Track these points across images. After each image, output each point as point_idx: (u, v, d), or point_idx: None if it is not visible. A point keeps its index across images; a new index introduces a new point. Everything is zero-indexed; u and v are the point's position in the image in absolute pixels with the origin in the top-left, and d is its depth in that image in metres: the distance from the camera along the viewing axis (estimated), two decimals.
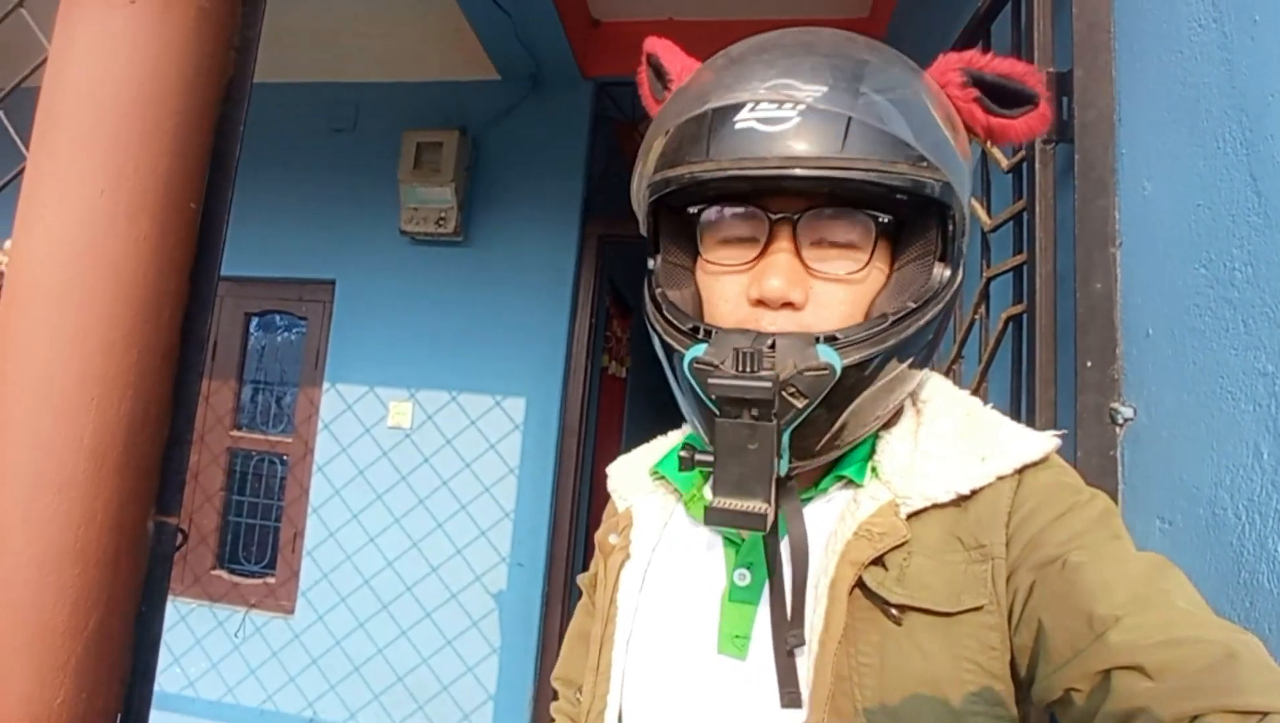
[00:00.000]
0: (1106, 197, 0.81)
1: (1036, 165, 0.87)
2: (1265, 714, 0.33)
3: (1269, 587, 0.55)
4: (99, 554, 0.40)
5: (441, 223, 2.47)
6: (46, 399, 0.39)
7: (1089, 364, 0.78)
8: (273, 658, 2.47)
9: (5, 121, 0.58)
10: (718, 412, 0.45)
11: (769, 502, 0.44)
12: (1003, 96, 0.51)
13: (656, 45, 0.60)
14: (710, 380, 0.44)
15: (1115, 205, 0.80)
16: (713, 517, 0.45)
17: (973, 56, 0.52)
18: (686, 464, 0.48)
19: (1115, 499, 0.76)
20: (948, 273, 0.50)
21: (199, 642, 2.53)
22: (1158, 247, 0.74)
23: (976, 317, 1.03)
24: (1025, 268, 0.89)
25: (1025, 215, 0.89)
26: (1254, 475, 0.60)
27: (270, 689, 2.46)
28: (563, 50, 2.36)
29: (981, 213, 1.04)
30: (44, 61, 0.44)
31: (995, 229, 1.00)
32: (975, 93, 0.51)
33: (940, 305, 0.49)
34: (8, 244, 0.45)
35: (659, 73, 0.59)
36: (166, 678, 2.51)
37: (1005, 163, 0.96)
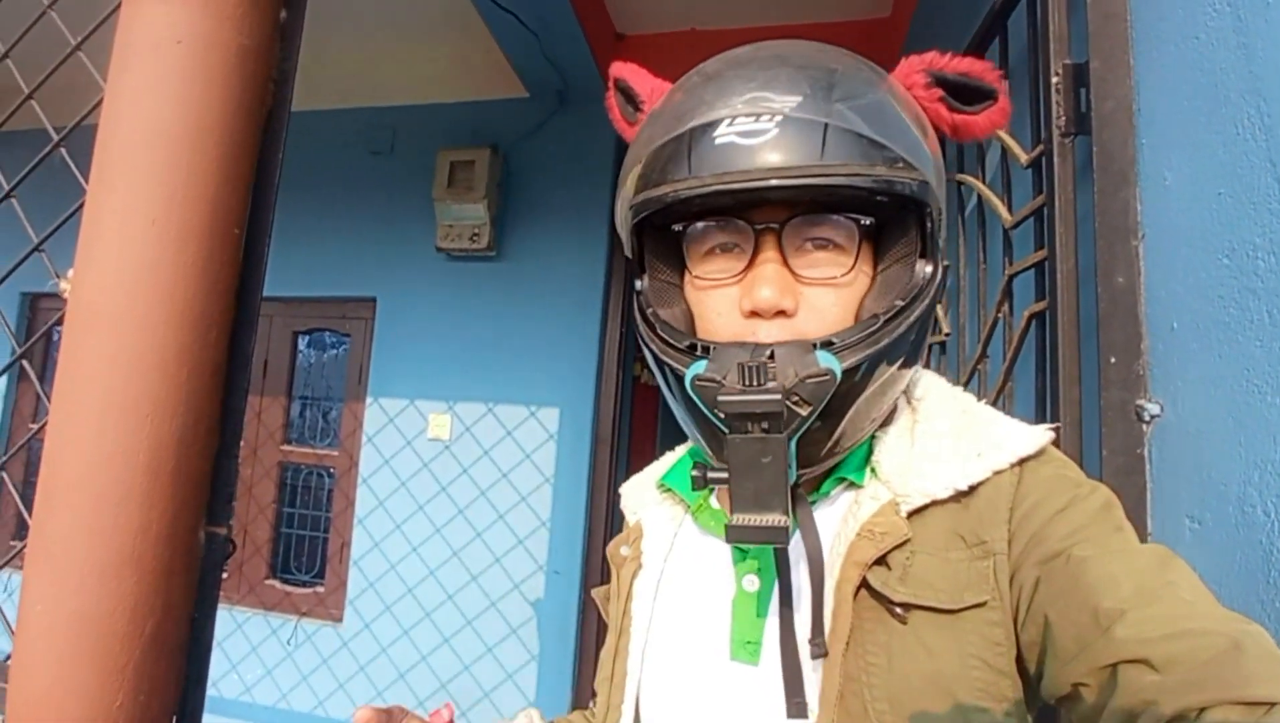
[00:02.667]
0: (1127, 188, 0.79)
1: (1055, 159, 0.86)
2: (1272, 705, 0.33)
3: None
4: (155, 563, 0.42)
5: (475, 239, 2.53)
6: (106, 417, 0.42)
7: (1113, 360, 0.76)
8: (323, 665, 2.55)
9: (68, 159, 0.63)
10: (726, 429, 0.45)
11: (787, 513, 0.44)
12: (964, 94, 0.53)
13: (623, 70, 0.61)
14: (719, 397, 0.45)
15: (1136, 197, 0.78)
16: (734, 534, 0.45)
17: (933, 58, 0.53)
18: (699, 483, 0.48)
19: (1143, 498, 0.73)
20: (929, 269, 0.50)
21: (254, 649, 2.63)
22: (1180, 238, 0.72)
23: (1000, 315, 1.01)
24: (1046, 264, 0.87)
25: (1045, 210, 0.88)
26: None
27: (321, 696, 2.53)
28: (588, 65, 2.40)
29: (1002, 210, 1.02)
30: (100, 102, 0.47)
31: (1016, 225, 0.98)
32: (939, 92, 0.52)
33: (926, 301, 0.50)
34: (70, 273, 0.49)
35: (629, 96, 0.60)
36: (225, 684, 2.62)
37: (1025, 158, 0.94)
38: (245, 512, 2.75)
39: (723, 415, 0.45)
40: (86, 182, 0.47)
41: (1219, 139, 0.66)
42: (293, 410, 2.86)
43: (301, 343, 2.90)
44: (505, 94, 2.61)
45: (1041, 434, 0.50)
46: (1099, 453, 0.76)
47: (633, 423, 2.92)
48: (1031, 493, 0.47)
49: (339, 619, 2.58)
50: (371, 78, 2.66)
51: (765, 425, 0.44)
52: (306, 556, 2.75)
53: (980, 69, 0.52)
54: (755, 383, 0.44)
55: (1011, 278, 0.99)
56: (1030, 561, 0.44)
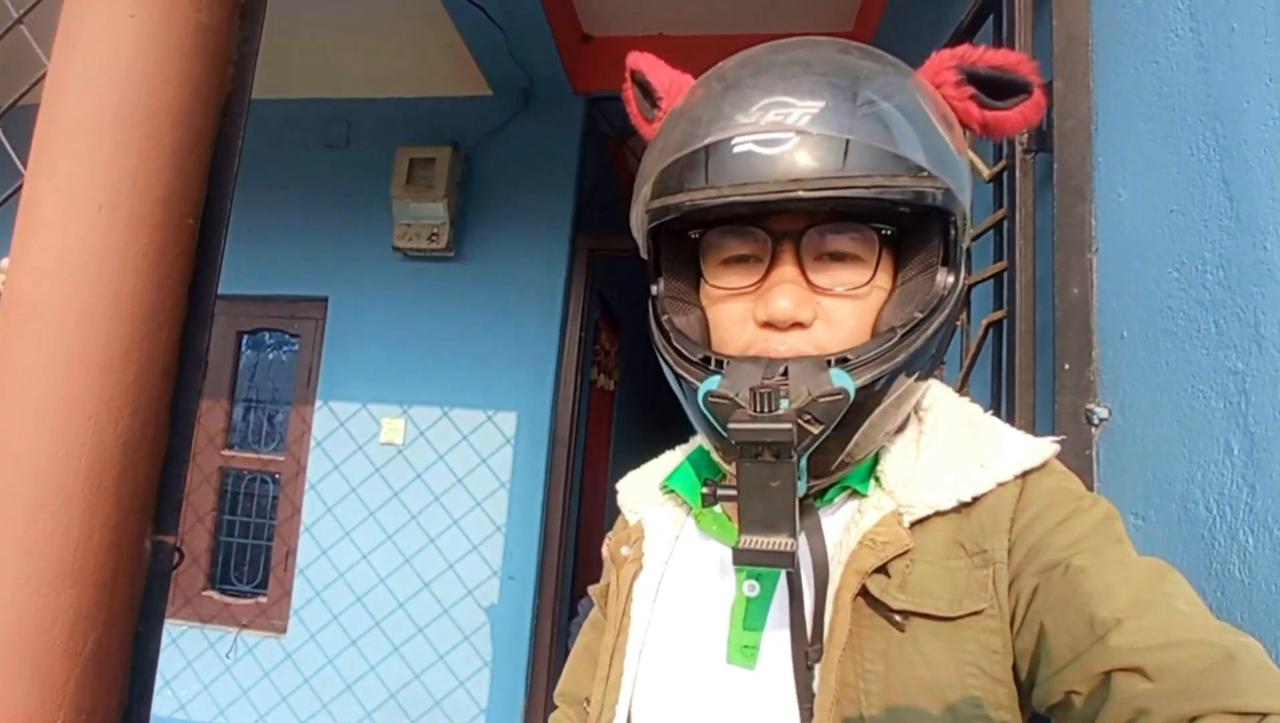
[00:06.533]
0: (1083, 204, 0.83)
1: (1017, 174, 0.89)
2: (1264, 716, 0.33)
3: (1239, 577, 0.56)
4: (97, 574, 0.39)
5: (434, 238, 2.48)
6: (44, 418, 0.39)
7: (1066, 367, 0.79)
8: (264, 678, 2.44)
9: (3, 139, 0.59)
10: (737, 450, 0.45)
11: (794, 536, 0.44)
12: (996, 88, 0.51)
13: (640, 61, 0.59)
14: (730, 426, 0.44)
15: (1092, 212, 0.82)
16: (741, 557, 0.44)
17: (965, 51, 0.51)
18: (709, 501, 0.48)
19: None
20: (951, 278, 0.49)
21: (190, 664, 2.50)
22: (1133, 251, 0.76)
23: (958, 323, 1.05)
24: (1005, 274, 0.90)
25: (1005, 223, 0.91)
26: (1225, 470, 0.61)
27: (262, 710, 2.42)
28: (554, 65, 2.39)
29: None
30: (43, 78, 0.44)
31: (975, 237, 1.01)
32: (970, 90, 0.51)
33: (946, 311, 0.49)
34: (4, 261, 0.45)
35: (646, 90, 0.58)
36: (157, 701, 2.45)
37: (987, 172, 0.98)
38: (182, 520, 2.60)
39: (734, 442, 0.45)
40: (24, 165, 0.44)
41: (1174, 158, 0.70)
42: (235, 413, 2.74)
43: (245, 343, 2.78)
44: (468, 91, 2.57)
45: (1047, 447, 0.50)
46: (1066, 468, 0.79)
47: (588, 428, 2.91)
48: (1033, 504, 0.47)
49: (282, 630, 2.47)
50: (327, 68, 2.58)
51: (775, 453, 0.43)
52: (248, 565, 2.63)
53: (1015, 61, 0.50)
54: (766, 410, 0.44)
55: (970, 287, 1.02)
56: (1029, 570, 0.45)
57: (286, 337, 2.75)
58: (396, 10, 2.25)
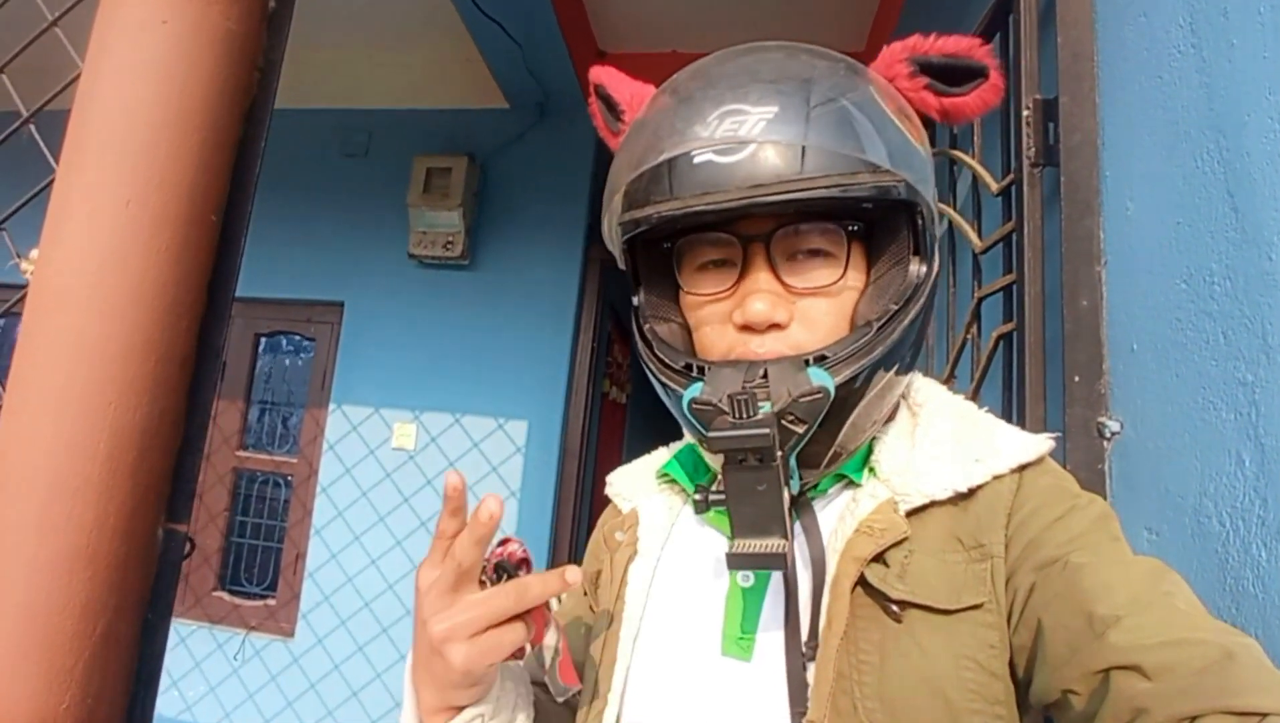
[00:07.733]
0: (1091, 217, 0.83)
1: (1025, 188, 0.90)
2: (1263, 716, 0.33)
3: (1254, 592, 0.56)
4: (110, 559, 0.40)
5: (449, 247, 2.51)
6: (66, 404, 0.40)
7: (1077, 379, 0.79)
8: (271, 682, 2.45)
9: (37, 137, 0.61)
10: (723, 459, 0.46)
11: (785, 537, 0.45)
12: (952, 75, 0.52)
13: (602, 75, 0.60)
14: (710, 435, 0.45)
15: (1100, 225, 0.82)
16: (734, 561, 0.46)
17: (915, 42, 0.53)
18: (701, 507, 0.49)
19: None
20: (924, 267, 0.50)
21: (198, 664, 2.51)
22: (1140, 264, 0.76)
23: (969, 336, 1.05)
24: (1015, 287, 0.91)
25: (1014, 236, 0.92)
26: (1237, 483, 0.60)
27: (268, 714, 2.43)
28: (570, 80, 2.43)
29: (972, 235, 1.06)
30: (75, 79, 0.46)
31: (986, 250, 1.02)
32: (924, 80, 0.52)
33: (921, 301, 0.50)
34: (34, 253, 0.47)
35: (609, 104, 0.60)
36: (164, 701, 2.49)
37: (995, 186, 0.99)
38: (195, 519, 2.64)
39: (715, 449, 0.45)
40: (56, 162, 0.46)
41: (1179, 172, 0.70)
42: (250, 415, 2.78)
43: (263, 346, 2.83)
44: (484, 104, 2.62)
45: (1042, 442, 0.51)
46: (1063, 468, 0.79)
47: (599, 439, 2.91)
48: (1030, 500, 0.47)
49: (290, 634, 2.49)
50: (347, 79, 2.64)
51: (759, 457, 0.44)
52: (258, 567, 2.66)
53: (967, 46, 0.52)
54: (745, 415, 0.44)
55: (980, 301, 1.03)
56: (1027, 566, 0.45)
57: (303, 340, 2.80)
58: (416, 24, 2.30)
